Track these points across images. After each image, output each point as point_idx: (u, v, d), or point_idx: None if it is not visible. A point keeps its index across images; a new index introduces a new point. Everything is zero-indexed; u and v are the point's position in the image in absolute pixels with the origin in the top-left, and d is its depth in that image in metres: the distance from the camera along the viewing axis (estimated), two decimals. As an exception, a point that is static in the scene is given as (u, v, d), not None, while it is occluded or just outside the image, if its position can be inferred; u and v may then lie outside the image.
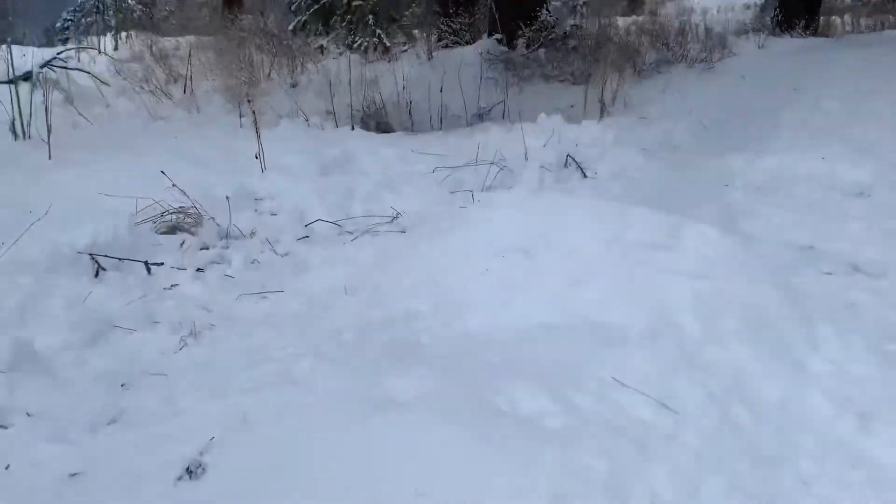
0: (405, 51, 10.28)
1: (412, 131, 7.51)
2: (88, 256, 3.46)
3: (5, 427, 2.30)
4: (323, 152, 5.67)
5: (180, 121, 7.60)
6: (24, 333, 2.75)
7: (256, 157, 5.11)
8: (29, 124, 6.20)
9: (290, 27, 7.38)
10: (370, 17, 6.35)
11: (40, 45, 14.23)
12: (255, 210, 4.79)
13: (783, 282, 3.20)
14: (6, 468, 2.12)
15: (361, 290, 3.09)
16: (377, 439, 1.98)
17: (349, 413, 2.09)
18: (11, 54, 7.13)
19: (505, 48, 9.82)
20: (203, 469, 1.98)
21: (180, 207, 4.22)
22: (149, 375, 2.62)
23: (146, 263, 3.59)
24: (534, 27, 9.70)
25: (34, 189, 4.87)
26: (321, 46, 6.69)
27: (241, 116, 7.55)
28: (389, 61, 9.49)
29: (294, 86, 8.81)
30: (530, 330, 2.64)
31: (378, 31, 6.33)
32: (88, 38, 11.74)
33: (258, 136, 5.12)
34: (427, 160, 5.57)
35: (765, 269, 3.30)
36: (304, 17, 6.95)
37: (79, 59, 9.85)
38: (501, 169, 5.30)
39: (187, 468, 1.99)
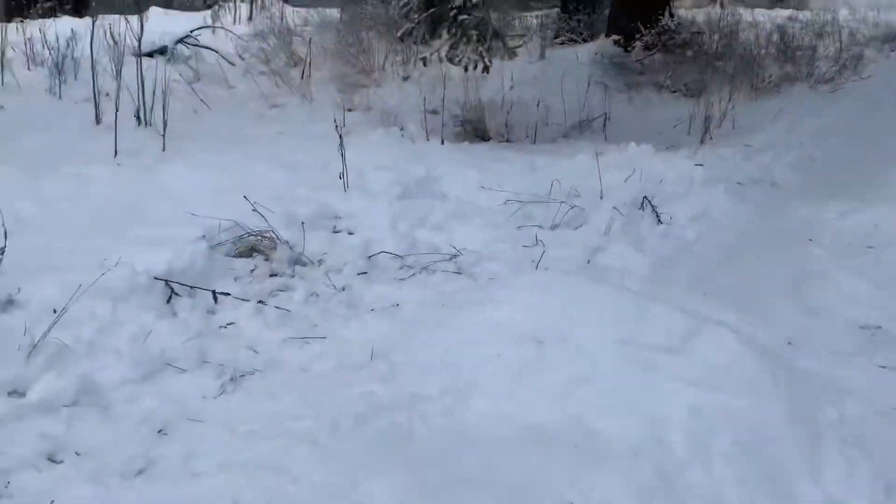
0: (519, 46, 10.27)
1: (507, 140, 7.62)
2: (163, 283, 3.89)
3: (56, 462, 2.73)
4: (409, 170, 5.90)
5: (293, 109, 8.03)
6: (91, 366, 3.19)
7: (340, 177, 5.42)
8: (152, 110, 6.74)
9: (399, 34, 7.58)
10: (473, 33, 6.44)
11: (186, 4, 15.08)
12: (334, 229, 5.12)
13: (800, 395, 3.18)
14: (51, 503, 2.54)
15: (383, 359, 3.34)
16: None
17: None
18: (143, 28, 7.52)
19: (621, 50, 9.64)
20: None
21: (259, 230, 4.59)
22: (186, 421, 2.99)
23: (214, 293, 3.99)
24: (654, 30, 9.45)
25: (140, 187, 5.38)
26: (423, 58, 6.86)
27: (348, 110, 7.88)
28: (504, 59, 9.54)
29: (406, 78, 9.05)
30: (523, 430, 2.81)
31: (480, 48, 6.42)
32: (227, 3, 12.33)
33: (342, 156, 5.41)
34: (505, 186, 5.69)
35: (787, 373, 3.27)
36: (413, 25, 7.13)
37: (214, 31, 10.47)
38: (572, 207, 5.36)
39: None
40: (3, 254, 3.72)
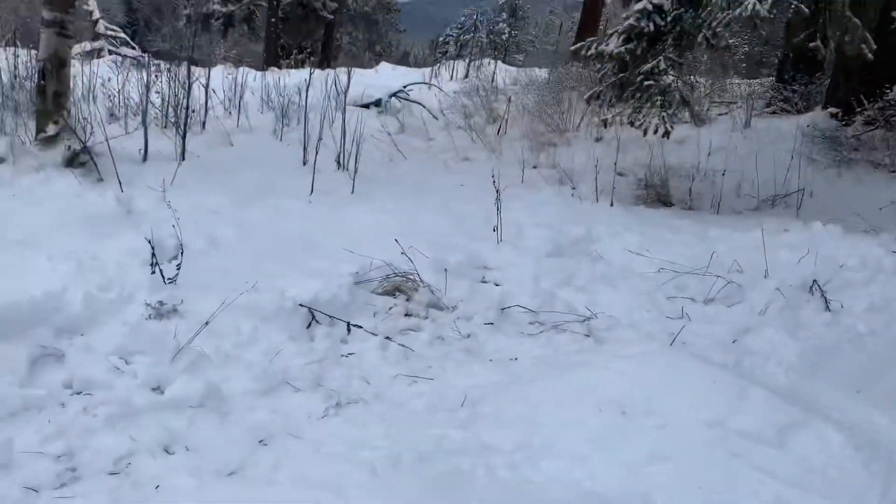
0: (724, 114, 9.95)
1: (690, 207, 7.42)
2: (307, 310, 4.31)
3: (169, 453, 3.15)
4: (567, 229, 5.98)
5: (480, 164, 8.41)
6: (221, 375, 3.63)
7: (494, 230, 5.63)
8: (350, 155, 7.43)
9: (586, 97, 7.70)
10: (658, 98, 6.41)
11: (420, 59, 16.29)
12: (482, 279, 5.33)
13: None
14: (156, 487, 2.94)
15: (471, 407, 3.44)
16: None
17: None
18: (349, 82, 8.35)
19: (837, 123, 9.02)
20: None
21: (405, 272, 4.91)
22: (286, 435, 3.31)
23: (348, 324, 4.35)
24: (878, 104, 8.76)
25: (321, 223, 5.96)
26: (605, 120, 6.93)
27: (532, 167, 8.10)
28: (700, 126, 9.31)
29: (598, 139, 9.14)
30: (582, 496, 2.79)
31: (663, 113, 6.37)
32: (449, 60, 13.19)
33: (498, 211, 5.62)
34: (665, 254, 5.57)
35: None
36: (601, 88, 7.22)
37: (430, 87, 11.27)
38: (728, 283, 5.12)
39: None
40: (178, 269, 4.35)
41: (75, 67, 9.38)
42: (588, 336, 4.53)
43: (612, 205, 6.92)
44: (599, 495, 2.81)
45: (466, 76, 12.52)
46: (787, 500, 2.75)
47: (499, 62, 12.46)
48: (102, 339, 3.88)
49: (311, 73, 8.91)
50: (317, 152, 6.92)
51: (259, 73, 11.20)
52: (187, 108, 7.35)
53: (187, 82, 7.45)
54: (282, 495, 2.82)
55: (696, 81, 9.47)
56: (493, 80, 11.49)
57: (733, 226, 6.44)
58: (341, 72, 10.44)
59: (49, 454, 3.03)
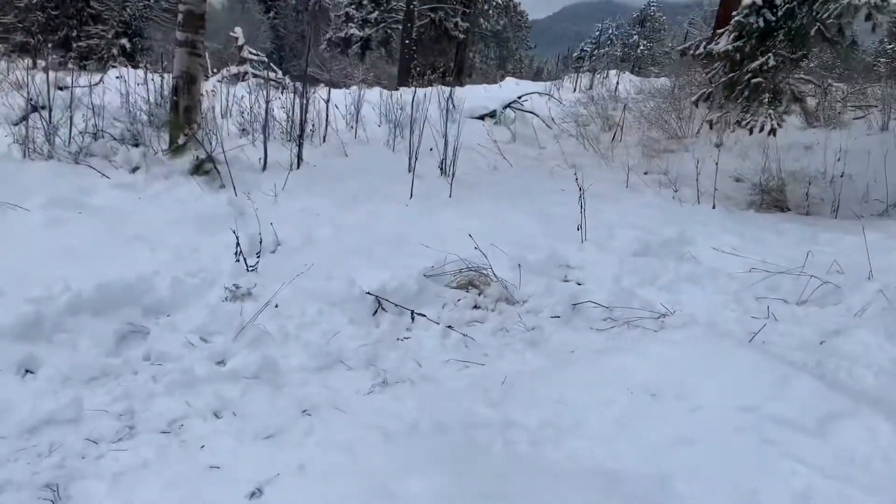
0: (860, 118, 9.27)
1: (807, 213, 6.98)
2: (374, 298, 4.48)
3: (218, 418, 3.38)
4: (660, 230, 5.82)
5: (588, 170, 8.31)
6: (280, 352, 3.85)
7: (578, 229, 5.57)
8: (453, 163, 7.61)
9: (694, 99, 7.44)
10: (766, 96, 6.10)
11: (553, 75, 16.34)
12: (565, 278, 5.29)
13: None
14: (201, 447, 3.18)
15: (506, 387, 3.44)
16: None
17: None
18: (451, 97, 8.58)
19: None
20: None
21: (478, 267, 4.97)
22: (331, 408, 3.45)
23: (412, 312, 4.46)
24: None
25: (412, 225, 6.15)
26: (710, 121, 6.66)
27: (643, 173, 7.92)
28: (833, 128, 8.74)
29: (718, 145, 8.77)
30: (596, 474, 2.72)
31: (770, 111, 6.05)
32: (575, 73, 13.13)
33: (582, 209, 5.56)
34: (761, 255, 5.29)
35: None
36: (710, 90, 6.95)
37: (549, 98, 11.29)
38: (824, 283, 4.78)
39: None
40: (258, 258, 4.66)
41: (217, 88, 10.21)
42: (656, 332, 4.38)
43: (713, 207, 6.63)
44: (614, 474, 2.73)
45: (591, 87, 12.41)
46: (822, 491, 2.55)
47: (626, 73, 12.25)
48: (185, 318, 4.22)
49: (426, 89, 9.22)
50: (416, 159, 7.17)
51: (386, 92, 11.68)
52: (303, 121, 7.83)
53: (304, 98, 7.93)
54: (301, 454, 2.96)
55: (830, 85, 8.89)
56: (615, 90, 11.33)
57: (848, 229, 6.01)
58: (466, 88, 10.68)
59: (112, 413, 3.35)
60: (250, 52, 12.54)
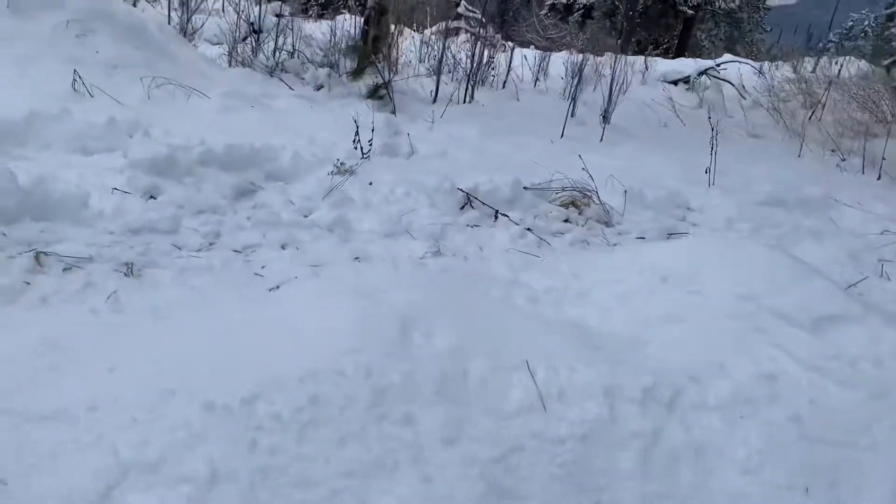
0: None
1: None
2: (464, 193, 4.70)
3: (283, 249, 3.82)
4: (801, 188, 5.47)
5: (768, 141, 7.83)
6: (357, 216, 4.23)
7: (706, 172, 5.36)
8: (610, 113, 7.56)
9: (885, 63, 6.68)
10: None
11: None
12: (682, 218, 5.14)
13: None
14: (262, 267, 3.63)
15: (531, 262, 3.52)
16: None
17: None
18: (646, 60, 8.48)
19: None
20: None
21: (583, 187, 4.98)
22: (381, 260, 3.76)
23: (496, 212, 4.62)
24: None
25: (547, 154, 6.27)
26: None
27: (830, 151, 7.32)
28: None
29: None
30: (567, 323, 2.78)
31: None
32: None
33: (712, 151, 5.33)
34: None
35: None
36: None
37: (758, 72, 10.61)
38: None
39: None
40: (370, 145, 5.07)
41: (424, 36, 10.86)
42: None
43: (878, 178, 6.01)
44: (596, 331, 2.77)
45: (813, 70, 11.45)
46: (791, 377, 2.42)
47: (850, 58, 11.16)
48: (296, 186, 4.74)
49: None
50: (574, 109, 7.20)
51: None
52: (478, 62, 8.18)
53: (482, 42, 8.29)
54: (327, 272, 3.31)
55: None
56: (838, 74, 10.39)
57: None
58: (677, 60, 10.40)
59: (202, 232, 3.91)
60: (467, 9, 13.05)
